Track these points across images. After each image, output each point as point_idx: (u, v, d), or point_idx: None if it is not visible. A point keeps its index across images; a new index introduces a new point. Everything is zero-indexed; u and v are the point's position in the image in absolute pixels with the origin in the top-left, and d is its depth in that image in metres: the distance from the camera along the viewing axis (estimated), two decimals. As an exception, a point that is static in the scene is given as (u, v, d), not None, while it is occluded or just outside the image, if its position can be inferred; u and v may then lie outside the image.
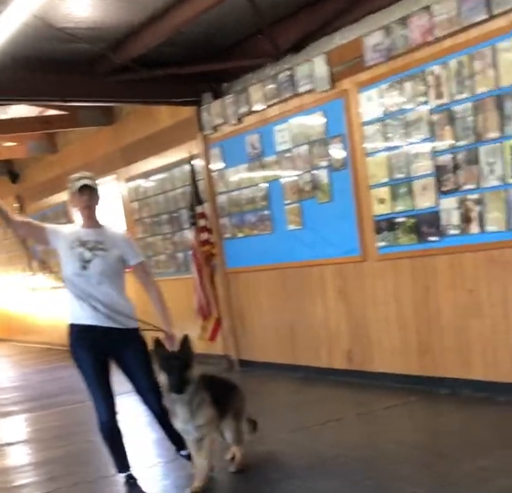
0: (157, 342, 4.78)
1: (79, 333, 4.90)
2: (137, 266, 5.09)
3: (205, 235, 9.04)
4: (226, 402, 5.12)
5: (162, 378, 4.70)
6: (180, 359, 4.71)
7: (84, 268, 4.82)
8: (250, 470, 5.14)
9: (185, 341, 4.79)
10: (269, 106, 7.93)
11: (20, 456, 6.75)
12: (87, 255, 4.84)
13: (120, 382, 5.00)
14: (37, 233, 4.98)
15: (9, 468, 6.35)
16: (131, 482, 4.98)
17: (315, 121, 7.42)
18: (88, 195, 4.85)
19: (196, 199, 9.04)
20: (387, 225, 6.84)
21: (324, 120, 7.32)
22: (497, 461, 4.67)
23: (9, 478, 5.96)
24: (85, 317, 4.85)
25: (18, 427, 8.08)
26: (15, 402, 9.34)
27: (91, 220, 4.95)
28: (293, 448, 5.61)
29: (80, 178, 4.88)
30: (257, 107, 8.07)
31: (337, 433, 5.91)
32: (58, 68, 8.02)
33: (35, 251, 14.46)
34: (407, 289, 6.82)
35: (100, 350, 4.84)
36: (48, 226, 5.01)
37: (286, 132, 7.80)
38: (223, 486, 4.82)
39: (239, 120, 8.38)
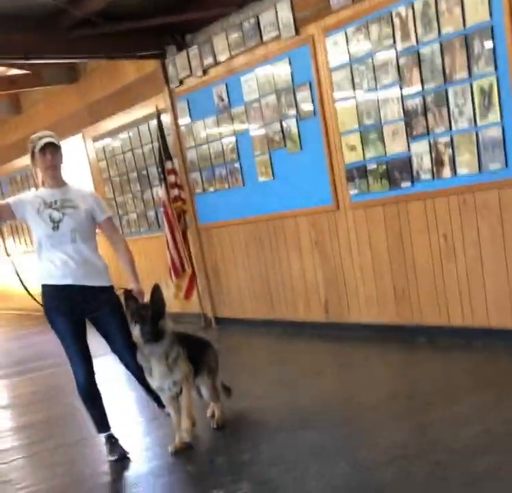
0: (127, 294, 4.74)
1: (53, 292, 4.82)
2: (105, 222, 5.02)
3: (175, 192, 8.93)
4: (201, 360, 5.11)
5: (136, 330, 4.65)
6: (152, 308, 4.68)
7: (55, 228, 4.75)
8: (231, 426, 5.15)
9: (156, 291, 4.75)
10: (234, 56, 7.79)
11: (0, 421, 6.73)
12: (56, 214, 4.76)
13: (96, 343, 4.96)
14: (3, 211, 4.82)
15: (-11, 433, 6.37)
16: (112, 441, 4.97)
17: (282, 69, 7.30)
18: (51, 154, 4.75)
19: (165, 155, 8.90)
20: (358, 173, 6.79)
21: (291, 68, 7.20)
22: (473, 406, 4.70)
23: (-10, 443, 5.98)
24: (59, 276, 4.79)
25: (-6, 394, 8.06)
26: (-11, 369, 9.31)
27: (56, 180, 4.86)
28: (273, 403, 5.61)
29: (41, 137, 4.78)
30: (222, 57, 7.92)
31: (316, 385, 5.92)
32: (19, 25, 7.82)
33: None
34: (381, 237, 6.79)
35: (76, 310, 4.78)
36: (10, 199, 4.88)
37: (253, 82, 7.68)
38: (204, 442, 4.82)
39: (205, 71, 8.24)
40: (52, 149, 4.75)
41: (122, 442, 4.98)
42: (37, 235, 4.82)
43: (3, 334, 12.63)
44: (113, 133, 10.31)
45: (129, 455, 4.88)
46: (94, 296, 4.81)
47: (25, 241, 13.88)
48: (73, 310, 4.77)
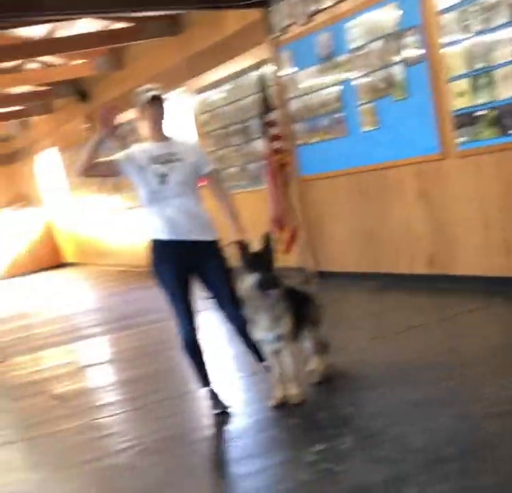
0: (240, 244, 4.67)
1: (160, 247, 4.75)
2: (210, 174, 4.90)
3: (277, 144, 8.79)
4: (305, 312, 5.01)
5: (249, 279, 4.57)
6: (266, 257, 4.62)
7: (162, 182, 4.68)
8: (332, 380, 5.05)
9: (267, 239, 4.69)
10: (339, 2, 7.55)
11: (104, 376, 6.86)
12: (163, 169, 4.69)
13: (199, 298, 4.93)
14: (111, 167, 4.81)
15: (95, 387, 6.50)
16: (214, 396, 4.95)
17: (389, 14, 7.02)
18: (158, 107, 4.70)
19: (267, 107, 8.76)
20: (467, 120, 6.49)
21: (399, 11, 6.92)
22: None
23: (96, 397, 6.10)
24: (167, 232, 4.71)
25: (99, 348, 8.19)
26: (95, 324, 9.46)
27: (161, 133, 4.79)
28: (374, 357, 5.51)
29: (148, 90, 4.71)
30: (327, 3, 7.69)
31: (418, 339, 5.76)
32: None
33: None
34: (490, 186, 6.51)
35: (182, 265, 4.72)
36: (118, 155, 4.79)
37: (358, 28, 7.44)
38: (304, 397, 4.73)
39: (309, 19, 8.02)
40: (159, 102, 4.69)
41: (223, 397, 4.96)
42: (144, 190, 4.75)
43: (105, 290, 12.85)
44: (214, 85, 10.23)
45: (230, 410, 4.86)
46: (200, 250, 4.73)
47: (128, 197, 14.04)
48: (180, 265, 4.72)
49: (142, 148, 4.80)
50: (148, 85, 4.79)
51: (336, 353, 5.46)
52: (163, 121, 4.77)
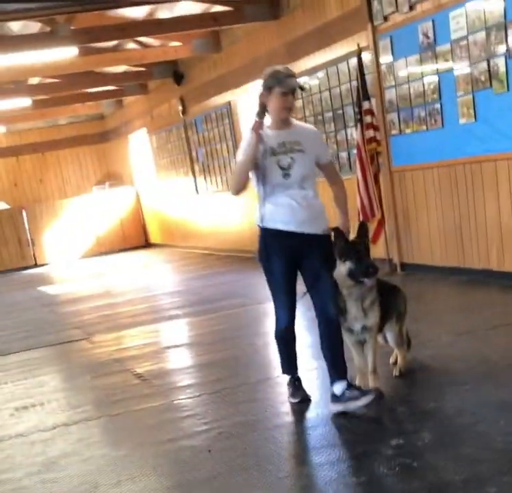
0: (336, 232, 4.60)
1: (272, 237, 4.65)
2: (327, 164, 4.79)
3: (370, 133, 8.67)
4: (390, 305, 4.90)
5: (346, 267, 4.49)
6: (362, 246, 4.56)
7: (285, 176, 4.54)
8: (414, 375, 4.99)
9: (364, 227, 4.65)
10: (444, -10, 7.38)
11: (185, 358, 6.93)
12: (286, 161, 4.52)
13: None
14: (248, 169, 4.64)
15: (175, 369, 6.55)
16: (296, 384, 4.91)
17: (495, 4, 6.80)
18: (293, 95, 4.44)
19: (363, 95, 8.65)
20: None
21: (505, 2, 6.69)
22: None
23: (176, 378, 6.14)
24: (284, 222, 4.60)
25: (181, 330, 8.26)
26: (177, 306, 9.51)
27: (286, 122, 4.59)
28: (459, 353, 5.40)
29: (288, 76, 4.45)
30: (431, -8, 7.53)
31: (505, 338, 5.62)
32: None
33: (199, 154, 14.61)
34: None
35: (292, 256, 4.65)
36: (250, 156, 4.56)
37: (462, 18, 7.22)
38: (385, 390, 4.65)
39: (412, 7, 7.85)
40: (294, 91, 4.44)
41: (305, 386, 4.92)
42: (265, 180, 4.60)
43: (190, 272, 12.89)
44: (311, 71, 10.13)
45: (310, 399, 4.81)
46: (312, 242, 4.63)
47: (216, 181, 14.11)
48: (290, 257, 4.64)
49: (265, 134, 4.53)
50: (285, 68, 4.50)
51: (422, 347, 5.43)
52: (292, 108, 4.56)
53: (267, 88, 4.46)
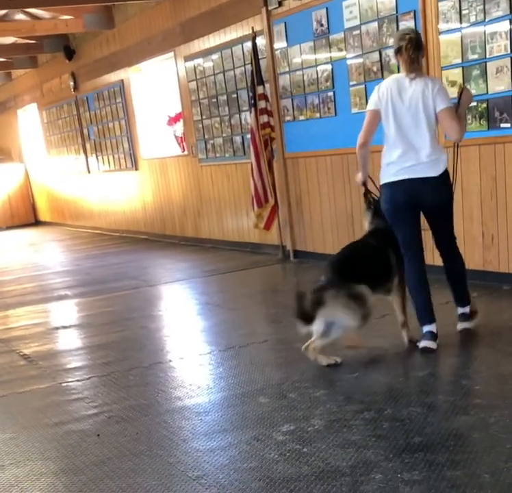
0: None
1: (395, 187, 4.96)
2: (442, 112, 4.87)
3: (265, 118, 8.74)
4: None
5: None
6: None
7: (410, 121, 4.90)
8: (305, 362, 5.02)
9: None
10: (338, -21, 7.48)
11: (75, 339, 6.83)
12: (411, 109, 4.90)
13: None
14: (377, 120, 5.07)
15: (64, 350, 6.44)
16: (429, 336, 4.96)
17: (387, -4, 6.97)
18: (413, 50, 4.86)
19: (257, 79, 8.70)
20: (457, 110, 6.47)
21: (397, -6, 6.88)
22: None
23: (64, 360, 6.05)
24: (406, 171, 4.91)
25: (70, 311, 8.15)
26: (67, 286, 9.39)
27: (414, 72, 4.92)
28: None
29: (405, 33, 4.99)
30: (326, -21, 7.62)
31: (394, 326, 5.66)
32: None
33: (90, 132, 14.37)
34: (476, 178, 6.51)
35: (415, 203, 4.95)
36: (372, 106, 5.06)
37: (355, 8, 7.37)
38: (278, 377, 4.71)
39: (306, -6, 7.95)
40: (416, 45, 4.87)
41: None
42: (389, 129, 4.98)
43: (80, 252, 12.73)
44: (205, 53, 10.11)
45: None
46: (432, 184, 4.91)
47: (108, 160, 13.93)
48: (413, 204, 4.96)
49: (391, 86, 4.97)
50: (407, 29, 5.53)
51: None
52: (419, 61, 4.95)
53: (395, 47, 5.01)
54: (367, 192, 5.31)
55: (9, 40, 14.94)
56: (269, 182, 8.81)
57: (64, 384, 5.27)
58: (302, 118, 8.46)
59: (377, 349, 5.21)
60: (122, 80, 12.66)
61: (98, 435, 4.20)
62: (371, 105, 5.07)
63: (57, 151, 16.64)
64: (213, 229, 10.98)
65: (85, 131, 14.83)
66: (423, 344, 4.93)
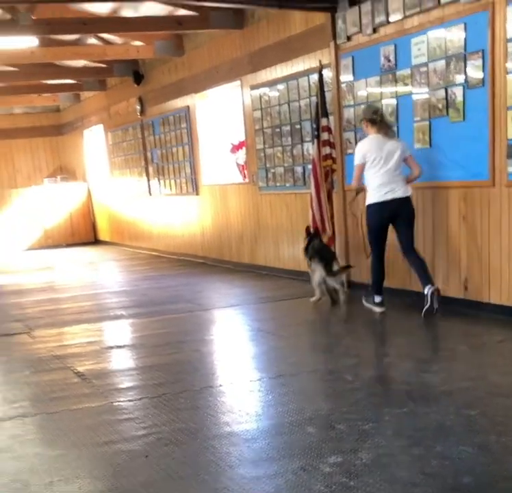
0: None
1: (377, 206, 7.39)
2: (409, 156, 7.40)
3: (326, 150, 8.79)
4: None
5: None
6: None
7: (385, 165, 7.29)
8: (355, 394, 5.05)
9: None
10: (408, 16, 7.50)
11: (128, 359, 6.89)
12: (387, 156, 7.28)
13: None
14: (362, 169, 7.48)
15: (117, 370, 6.52)
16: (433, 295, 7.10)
17: (456, 34, 6.97)
18: (382, 125, 7.36)
19: (322, 111, 8.76)
20: (522, 150, 6.45)
21: (465, 33, 6.87)
22: None
23: (117, 379, 6.12)
24: (389, 194, 7.31)
25: (125, 331, 8.26)
26: (123, 306, 9.50)
27: (384, 135, 7.35)
28: (400, 375, 5.57)
29: (374, 111, 7.45)
30: (395, 17, 7.64)
31: (446, 363, 5.76)
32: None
33: (154, 155, 14.59)
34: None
35: (394, 214, 7.36)
36: (359, 161, 7.43)
37: (423, 45, 7.38)
38: (326, 407, 4.70)
39: (375, 30, 7.99)
40: (383, 122, 7.40)
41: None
42: (372, 170, 7.39)
43: (137, 273, 12.87)
44: (271, 83, 10.23)
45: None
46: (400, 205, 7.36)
47: (170, 184, 14.11)
48: (387, 217, 7.45)
49: (372, 144, 7.35)
50: (374, 106, 7.75)
51: (365, 367, 5.71)
52: (390, 127, 7.47)
53: (365, 120, 7.51)
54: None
55: (80, 63, 15.31)
56: (327, 213, 8.84)
57: (116, 403, 5.33)
58: (364, 151, 8.48)
59: (428, 385, 5.19)
60: (187, 106, 12.86)
61: (147, 456, 4.24)
62: (360, 160, 7.42)
63: (120, 173, 16.90)
64: (269, 256, 11.03)
65: (148, 154, 15.06)
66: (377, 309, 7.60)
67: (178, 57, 12.86)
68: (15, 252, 17.77)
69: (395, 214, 7.34)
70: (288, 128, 10.04)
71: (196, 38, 12.16)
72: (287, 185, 10.18)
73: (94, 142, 18.70)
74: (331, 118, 8.81)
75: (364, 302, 7.79)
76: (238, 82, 11.10)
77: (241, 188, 11.64)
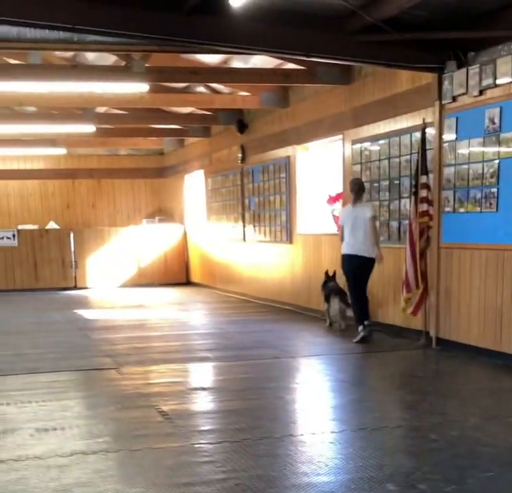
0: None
1: (345, 257, 9.67)
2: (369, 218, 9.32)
3: (424, 206, 8.78)
4: None
5: None
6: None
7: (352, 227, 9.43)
8: (438, 454, 4.97)
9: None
10: (516, 80, 7.51)
11: (211, 402, 6.94)
12: (355, 220, 9.44)
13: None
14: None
15: (200, 411, 6.58)
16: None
17: None
18: (356, 191, 9.55)
19: (422, 169, 8.78)
20: None
21: None
22: None
23: (199, 421, 6.18)
24: (351, 250, 9.49)
25: (209, 373, 8.35)
26: (209, 348, 9.59)
27: (355, 202, 9.57)
28: (485, 437, 5.39)
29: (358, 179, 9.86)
30: (503, 80, 7.64)
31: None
32: (303, 22, 8.05)
33: (251, 202, 14.79)
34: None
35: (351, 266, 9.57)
36: (342, 223, 9.69)
37: (530, 109, 7.37)
38: (408, 466, 4.63)
39: (481, 92, 7.99)
40: (357, 187, 9.61)
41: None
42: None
43: (225, 316, 12.97)
44: (373, 138, 10.31)
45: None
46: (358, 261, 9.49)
47: (264, 231, 14.24)
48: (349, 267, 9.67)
49: (347, 211, 9.73)
50: (357, 179, 9.95)
51: (448, 426, 5.52)
52: (361, 197, 9.56)
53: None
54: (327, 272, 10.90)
55: (187, 109, 15.74)
56: (421, 269, 8.80)
57: (197, 445, 5.37)
58: (462, 210, 8.45)
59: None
60: (288, 156, 13.03)
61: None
62: (341, 222, 9.74)
63: (217, 217, 17.16)
64: (356, 308, 10.99)
65: (246, 201, 15.27)
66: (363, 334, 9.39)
67: (283, 109, 13.10)
68: (110, 288, 18.16)
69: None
70: (386, 183, 10.07)
71: (302, 91, 12.37)
72: (382, 239, 10.16)
73: (193, 186, 19.10)
74: (431, 175, 8.81)
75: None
76: (340, 136, 11.21)
77: (334, 239, 11.64)
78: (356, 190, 9.39)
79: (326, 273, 10.88)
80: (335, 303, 10.44)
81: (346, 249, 9.54)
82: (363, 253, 9.33)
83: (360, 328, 9.39)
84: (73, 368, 8.31)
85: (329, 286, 10.70)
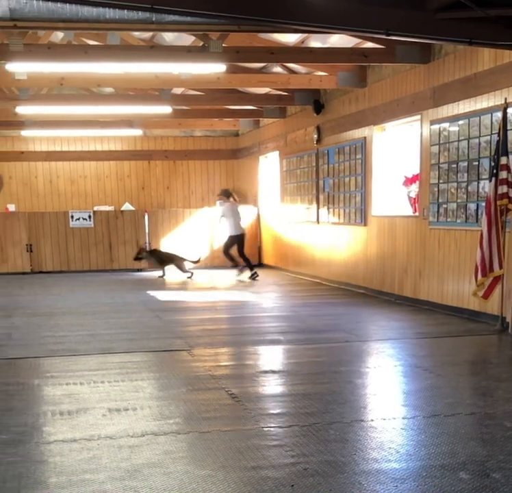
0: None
1: None
2: None
3: (504, 188, 8.53)
4: None
5: None
6: None
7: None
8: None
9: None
10: None
11: (281, 385, 6.85)
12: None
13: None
14: None
15: (270, 395, 6.51)
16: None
17: None
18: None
19: (502, 150, 8.51)
20: None
21: None
22: None
23: (269, 405, 6.13)
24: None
25: (281, 356, 8.27)
26: (281, 331, 9.53)
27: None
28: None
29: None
30: None
31: None
32: (384, 0, 7.82)
33: (326, 184, 14.65)
34: None
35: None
36: None
37: None
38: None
39: None
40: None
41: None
42: None
43: (297, 299, 12.90)
44: (452, 119, 10.04)
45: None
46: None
47: (338, 212, 14.10)
48: None
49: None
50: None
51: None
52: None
53: None
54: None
55: (263, 90, 15.64)
56: (498, 252, 8.56)
57: (266, 429, 5.32)
58: (543, 193, 8.16)
59: None
60: (365, 137, 12.83)
61: (293, 485, 4.20)
62: None
63: (291, 199, 17.05)
64: (432, 291, 10.79)
65: (320, 182, 15.13)
66: None
67: (360, 89, 12.89)
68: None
69: None
70: (465, 164, 9.81)
71: (380, 71, 12.15)
72: (458, 221, 9.93)
73: (268, 167, 19.02)
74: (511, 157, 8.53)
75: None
76: (418, 116, 10.97)
77: (410, 221, 11.48)
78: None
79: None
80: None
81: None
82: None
83: None
84: (145, 348, 8.34)
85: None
